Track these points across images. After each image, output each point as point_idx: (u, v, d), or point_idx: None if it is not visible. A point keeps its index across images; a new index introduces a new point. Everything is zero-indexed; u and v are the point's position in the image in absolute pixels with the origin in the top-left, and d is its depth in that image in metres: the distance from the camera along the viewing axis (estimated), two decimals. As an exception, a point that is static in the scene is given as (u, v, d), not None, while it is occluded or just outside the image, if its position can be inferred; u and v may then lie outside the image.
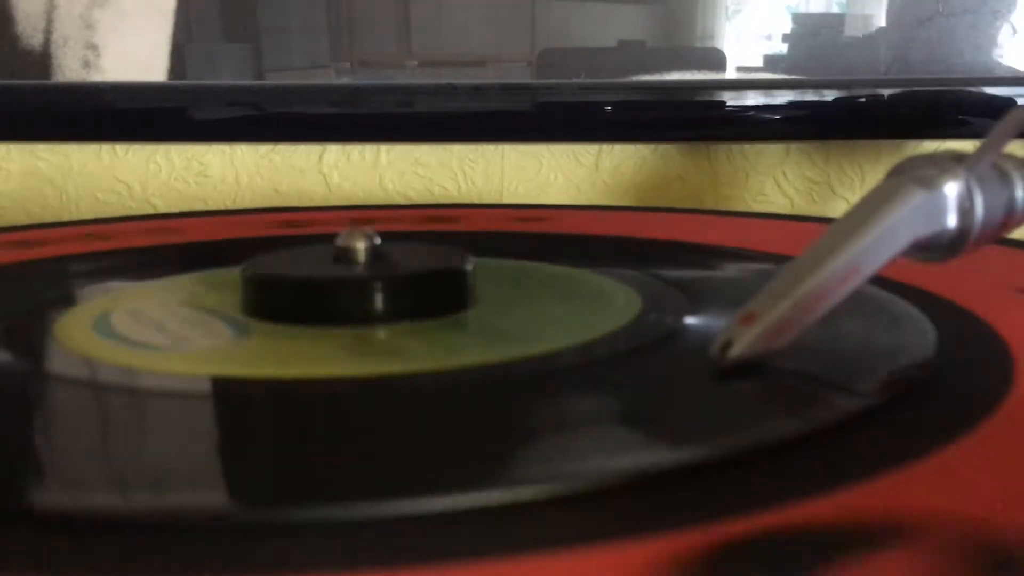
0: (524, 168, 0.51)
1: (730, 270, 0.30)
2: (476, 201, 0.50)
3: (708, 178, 0.51)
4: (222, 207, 0.50)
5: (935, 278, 0.25)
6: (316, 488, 0.14)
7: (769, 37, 0.51)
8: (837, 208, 0.51)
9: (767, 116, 0.50)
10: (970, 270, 0.26)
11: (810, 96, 0.49)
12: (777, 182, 0.51)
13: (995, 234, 0.19)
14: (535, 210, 0.42)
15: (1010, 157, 0.19)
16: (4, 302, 0.26)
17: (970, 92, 0.49)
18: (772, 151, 0.51)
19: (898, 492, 0.13)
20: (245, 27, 0.50)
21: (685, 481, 0.14)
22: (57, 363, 0.21)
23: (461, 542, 0.12)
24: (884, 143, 0.50)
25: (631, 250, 0.32)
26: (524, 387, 0.18)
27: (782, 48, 0.51)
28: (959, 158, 0.18)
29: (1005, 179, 0.19)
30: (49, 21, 0.48)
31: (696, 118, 0.50)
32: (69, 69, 0.49)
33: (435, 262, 0.24)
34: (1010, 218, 0.19)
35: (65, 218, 0.50)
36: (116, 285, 0.29)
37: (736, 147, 0.50)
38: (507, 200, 0.51)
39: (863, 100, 0.49)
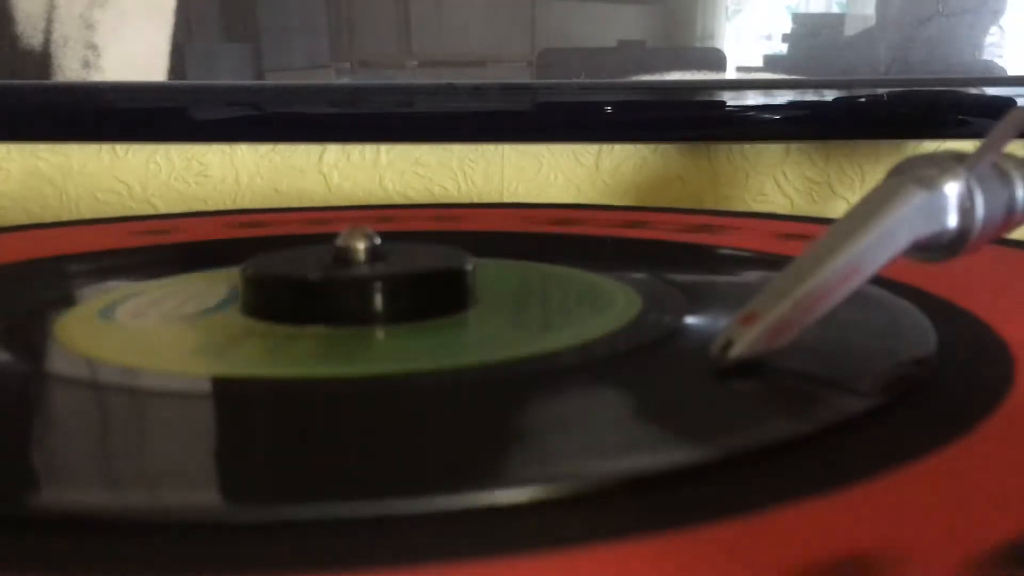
0: (524, 168, 0.51)
1: (730, 270, 0.30)
2: (476, 201, 0.50)
3: (708, 178, 0.51)
4: (222, 207, 0.50)
5: (935, 278, 0.25)
6: (315, 488, 0.14)
7: (769, 37, 0.51)
8: (837, 208, 0.51)
9: (767, 116, 0.50)
10: (970, 270, 0.26)
11: (810, 96, 0.49)
12: (777, 182, 0.51)
13: (995, 234, 0.19)
14: (570, 211, 0.42)
15: (1010, 157, 0.19)
16: (4, 302, 0.26)
17: (970, 92, 0.49)
18: (772, 151, 0.51)
19: (898, 492, 0.13)
20: (245, 27, 0.50)
21: (685, 481, 0.14)
22: (57, 363, 0.21)
23: (461, 542, 0.12)
24: (884, 143, 0.50)
25: (631, 250, 0.32)
26: (524, 387, 0.18)
27: (782, 48, 0.51)
28: (959, 158, 0.18)
29: (1005, 179, 0.19)
30: (49, 21, 0.48)
31: (696, 118, 0.50)
32: (69, 69, 0.49)
33: (435, 262, 0.24)
34: (1010, 218, 0.19)
35: (65, 218, 0.50)
36: (116, 285, 0.29)
37: (736, 147, 0.50)
38: (507, 200, 0.51)
39: (863, 100, 0.49)
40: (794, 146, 0.50)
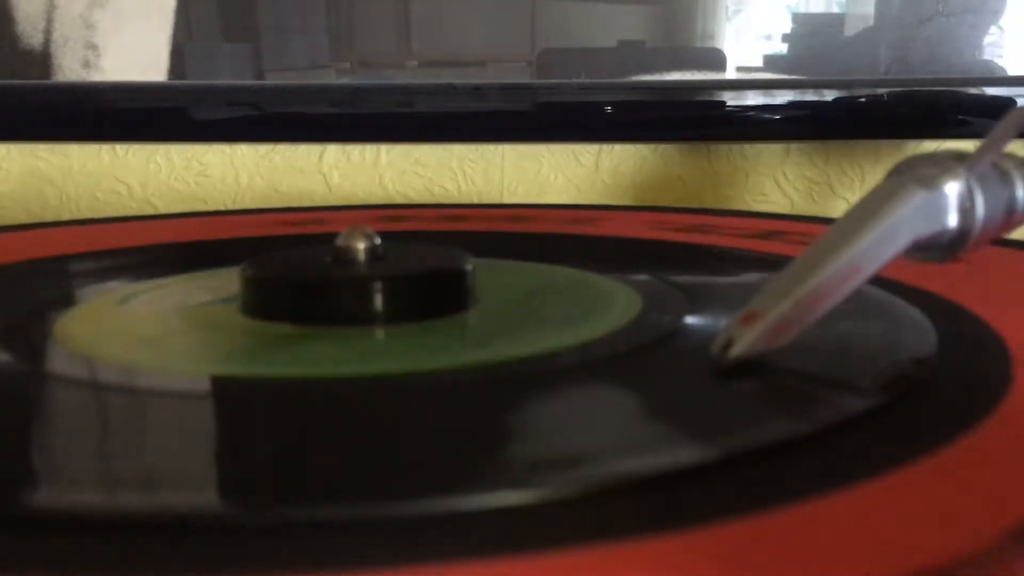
0: (524, 168, 0.51)
1: (730, 270, 0.30)
2: (476, 201, 0.50)
3: (708, 178, 0.51)
4: (222, 207, 0.50)
5: (935, 278, 0.25)
6: (315, 488, 0.14)
7: (769, 37, 0.51)
8: (837, 208, 0.51)
9: (767, 116, 0.50)
10: (970, 270, 0.26)
11: (810, 96, 0.49)
12: (777, 182, 0.51)
13: (995, 234, 0.19)
14: (589, 211, 0.42)
15: (1010, 157, 0.19)
16: (4, 302, 0.26)
17: (970, 92, 0.49)
18: (772, 151, 0.51)
19: (898, 492, 0.13)
20: (245, 27, 0.50)
21: (685, 481, 0.14)
22: (57, 363, 0.21)
23: (461, 542, 0.12)
24: (884, 143, 0.50)
25: (631, 250, 0.32)
26: (524, 387, 0.18)
27: (782, 48, 0.51)
28: (960, 158, 0.18)
29: (1006, 179, 0.19)
30: (49, 21, 0.48)
31: (696, 118, 0.50)
32: (69, 69, 0.49)
33: (435, 262, 0.24)
34: (1010, 218, 0.19)
35: (65, 218, 0.50)
36: (116, 285, 0.29)
37: (736, 147, 0.50)
38: (507, 200, 0.51)
39: (863, 100, 0.49)
40: (794, 146, 0.50)
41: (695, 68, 0.50)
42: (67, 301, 0.26)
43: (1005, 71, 0.49)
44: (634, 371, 0.20)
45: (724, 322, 0.18)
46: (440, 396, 0.18)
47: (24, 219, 0.50)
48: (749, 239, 0.34)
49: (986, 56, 0.49)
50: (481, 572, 0.11)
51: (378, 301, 0.22)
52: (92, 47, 0.49)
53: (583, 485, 0.13)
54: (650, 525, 0.12)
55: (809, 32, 0.51)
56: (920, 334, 0.21)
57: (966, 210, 0.18)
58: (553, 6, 0.50)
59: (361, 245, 0.23)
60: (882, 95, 0.49)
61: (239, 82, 0.50)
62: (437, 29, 0.50)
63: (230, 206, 0.51)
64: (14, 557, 0.12)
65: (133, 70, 0.49)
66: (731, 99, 0.50)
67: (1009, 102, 0.49)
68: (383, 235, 0.24)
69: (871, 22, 0.50)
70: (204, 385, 0.19)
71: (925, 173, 0.18)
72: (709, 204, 0.51)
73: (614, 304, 0.24)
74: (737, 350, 0.17)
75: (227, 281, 0.24)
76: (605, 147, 0.50)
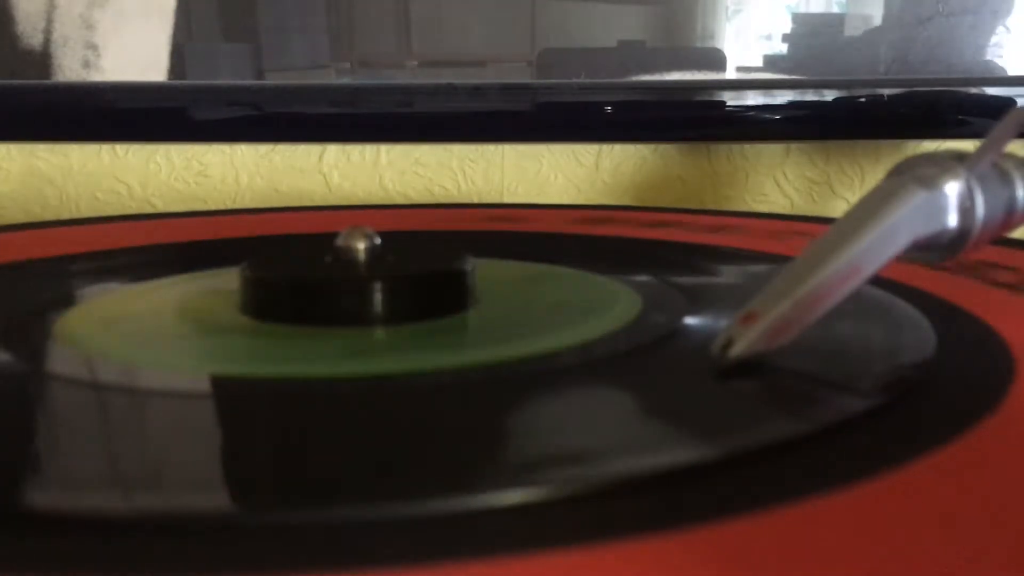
0: (524, 168, 0.51)
1: (730, 270, 0.30)
2: (476, 201, 0.50)
3: (708, 178, 0.51)
4: (222, 207, 0.50)
5: (935, 278, 0.25)
6: (315, 488, 0.14)
7: (769, 37, 0.51)
8: (837, 208, 0.51)
9: (767, 116, 0.50)
10: (970, 270, 0.26)
11: (810, 96, 0.49)
12: (777, 182, 0.51)
13: (995, 234, 0.19)
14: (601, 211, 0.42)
15: (1010, 157, 0.19)
16: (4, 302, 0.26)
17: (970, 92, 0.49)
18: (772, 151, 0.51)
19: (898, 492, 0.13)
20: (245, 27, 0.50)
21: (685, 481, 0.14)
22: (57, 363, 0.21)
23: (461, 543, 0.12)
24: (884, 143, 0.50)
25: (631, 250, 0.32)
26: (524, 387, 0.18)
27: (782, 48, 0.51)
28: (960, 158, 0.18)
29: (1006, 179, 0.19)
30: (49, 21, 0.48)
31: (696, 118, 0.50)
32: (69, 69, 0.49)
33: (435, 262, 0.24)
34: (1010, 218, 0.19)
35: (65, 218, 0.50)
36: (116, 285, 0.29)
37: (736, 147, 0.50)
38: (507, 200, 0.51)
39: (863, 100, 0.49)
40: (794, 146, 0.50)
41: (695, 68, 0.50)
42: (67, 301, 0.26)
43: (1005, 71, 0.49)
44: (634, 371, 0.20)
45: (724, 322, 0.18)
46: (440, 396, 0.18)
47: (24, 219, 0.50)
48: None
49: (986, 56, 0.49)
50: (481, 572, 0.11)
51: (378, 301, 0.22)
52: (92, 47, 0.49)
53: (583, 485, 0.13)
54: (650, 525, 0.12)
55: (809, 32, 0.51)
56: (920, 335, 0.21)
57: (966, 210, 0.18)
58: (553, 6, 0.50)
59: (361, 245, 0.23)
60: (882, 95, 0.49)
61: (239, 82, 0.50)
62: (437, 29, 0.50)
63: (230, 206, 0.51)
64: (14, 557, 0.12)
65: (133, 70, 0.49)
66: (731, 99, 0.50)
67: (1009, 102, 0.49)
68: (383, 235, 0.24)
69: (871, 22, 0.50)
70: (204, 385, 0.19)
71: (925, 173, 0.18)
72: (709, 204, 0.51)
73: (614, 304, 0.24)
74: (737, 350, 0.17)
75: (227, 281, 0.24)
76: (605, 147, 0.50)
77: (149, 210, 0.50)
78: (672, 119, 0.50)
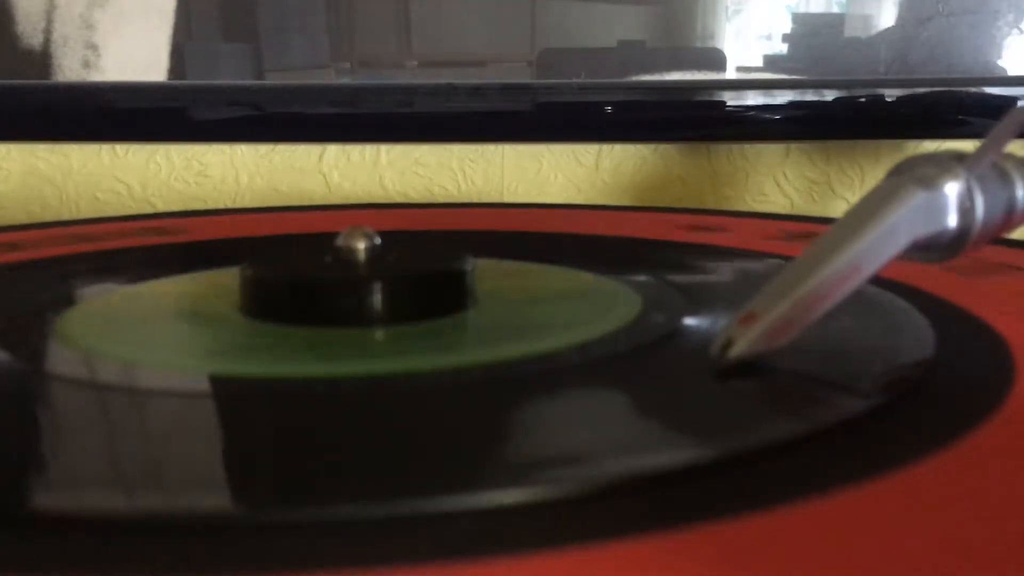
0: (524, 168, 0.51)
1: (730, 270, 0.30)
2: (476, 201, 0.50)
3: (708, 178, 0.51)
4: (222, 207, 0.50)
5: (935, 278, 0.25)
6: (315, 488, 0.14)
7: (769, 37, 0.51)
8: (837, 208, 0.51)
9: (767, 116, 0.50)
10: (970, 271, 0.26)
11: (810, 96, 0.49)
12: (777, 182, 0.51)
13: (995, 234, 0.19)
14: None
15: (1010, 157, 0.19)
16: (4, 302, 0.26)
17: (970, 92, 0.49)
18: (772, 151, 0.51)
19: (898, 492, 0.13)
20: (245, 27, 0.50)
21: (685, 481, 0.14)
22: (57, 363, 0.21)
23: (461, 542, 0.12)
24: (884, 143, 0.50)
25: (631, 250, 0.32)
26: (524, 387, 0.18)
27: (782, 48, 0.51)
28: (959, 158, 0.18)
29: (1005, 179, 0.19)
30: (49, 21, 0.48)
31: (696, 118, 0.50)
32: (69, 69, 0.49)
33: (435, 262, 0.24)
34: (1010, 218, 0.19)
35: (65, 218, 0.50)
36: (116, 285, 0.29)
37: (736, 147, 0.50)
38: (507, 200, 0.51)
39: (863, 100, 0.49)
40: (794, 146, 0.50)
41: (695, 68, 0.50)
42: (67, 301, 0.26)
43: (1005, 71, 0.49)
44: (634, 371, 0.20)
45: (723, 322, 0.18)
46: (440, 396, 0.18)
47: (24, 219, 0.50)
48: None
49: (986, 56, 0.49)
50: (481, 572, 0.11)
51: (378, 301, 0.22)
52: (92, 47, 0.49)
53: (583, 485, 0.13)
54: (649, 525, 0.12)
55: (809, 32, 0.51)
56: (920, 335, 0.21)
57: (966, 210, 0.18)
58: (553, 6, 0.50)
59: (361, 245, 0.23)
60: (882, 95, 0.49)
61: (239, 82, 0.50)
62: (437, 29, 0.50)
63: (230, 206, 0.51)
64: (14, 557, 0.12)
65: (133, 70, 0.49)
66: (731, 99, 0.50)
67: (1009, 102, 0.49)
68: (383, 235, 0.24)
69: (871, 22, 0.50)
70: (204, 385, 0.19)
71: (925, 173, 0.18)
72: (709, 204, 0.51)
73: (614, 304, 0.24)
74: (737, 350, 0.17)
75: (227, 281, 0.24)
76: (605, 147, 0.50)
77: (149, 210, 0.50)
78: (672, 119, 0.50)
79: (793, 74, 0.50)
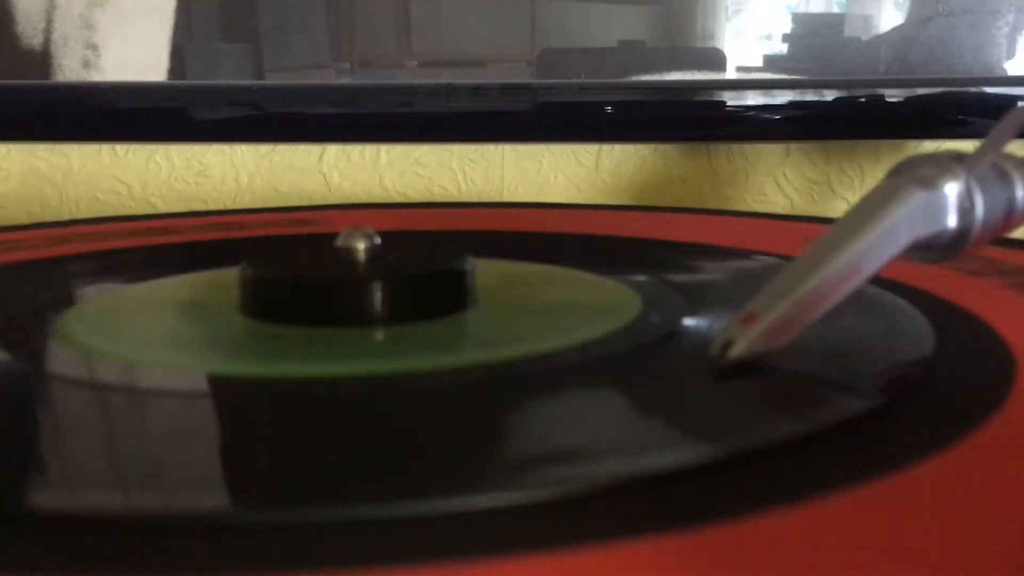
0: (524, 168, 0.51)
1: (730, 270, 0.30)
2: (476, 201, 0.50)
3: (708, 178, 0.51)
4: (222, 207, 0.50)
5: (935, 278, 0.25)
6: (315, 488, 0.14)
7: (769, 37, 0.51)
8: (837, 208, 0.51)
9: (767, 116, 0.50)
10: (970, 270, 0.26)
11: (810, 96, 0.49)
12: (777, 182, 0.51)
13: (995, 234, 0.19)
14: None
15: (1010, 157, 0.19)
16: (4, 302, 0.26)
17: (970, 92, 0.49)
18: (772, 151, 0.51)
19: (899, 493, 0.13)
20: (245, 27, 0.50)
21: (685, 481, 0.14)
22: (56, 363, 0.21)
23: (461, 542, 0.12)
24: (884, 143, 0.50)
25: (631, 250, 0.32)
26: (524, 387, 0.18)
27: (782, 48, 0.51)
28: (959, 158, 0.18)
29: (1005, 179, 0.19)
30: (49, 21, 0.48)
31: (696, 118, 0.50)
32: (69, 69, 0.49)
33: (435, 262, 0.24)
34: (1010, 218, 0.19)
35: (65, 218, 0.50)
36: (116, 285, 0.29)
37: (736, 147, 0.50)
38: (507, 200, 0.51)
39: (863, 100, 0.49)
40: (794, 146, 0.50)
41: (695, 68, 0.50)
42: (67, 301, 0.26)
43: (1005, 71, 0.49)
44: (633, 371, 0.20)
45: (723, 322, 0.18)
46: (440, 396, 0.18)
47: (24, 219, 0.50)
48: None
49: (986, 56, 0.49)
50: (481, 572, 0.11)
51: (378, 301, 0.22)
52: (92, 47, 0.49)
53: (583, 485, 0.13)
54: (649, 526, 0.12)
55: (809, 32, 0.51)
56: (920, 335, 0.21)
57: (965, 210, 0.18)
58: (553, 6, 0.50)
59: (361, 245, 0.23)
60: (882, 95, 0.49)
61: (239, 82, 0.50)
62: (437, 29, 0.50)
63: (230, 206, 0.51)
64: (14, 557, 0.12)
65: (133, 70, 0.49)
66: (731, 99, 0.50)
67: (1009, 102, 0.49)
68: (383, 235, 0.24)
69: (871, 22, 0.50)
70: (204, 385, 0.19)
71: (924, 173, 0.18)
72: (709, 204, 0.51)
73: (614, 304, 0.24)
74: (737, 351, 0.17)
75: (227, 281, 0.24)
76: (605, 147, 0.50)
77: (149, 210, 0.50)
78: (672, 119, 0.50)
79: (793, 74, 0.50)
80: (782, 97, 0.49)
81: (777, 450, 0.15)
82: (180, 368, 0.20)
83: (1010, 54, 0.49)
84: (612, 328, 0.22)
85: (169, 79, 0.49)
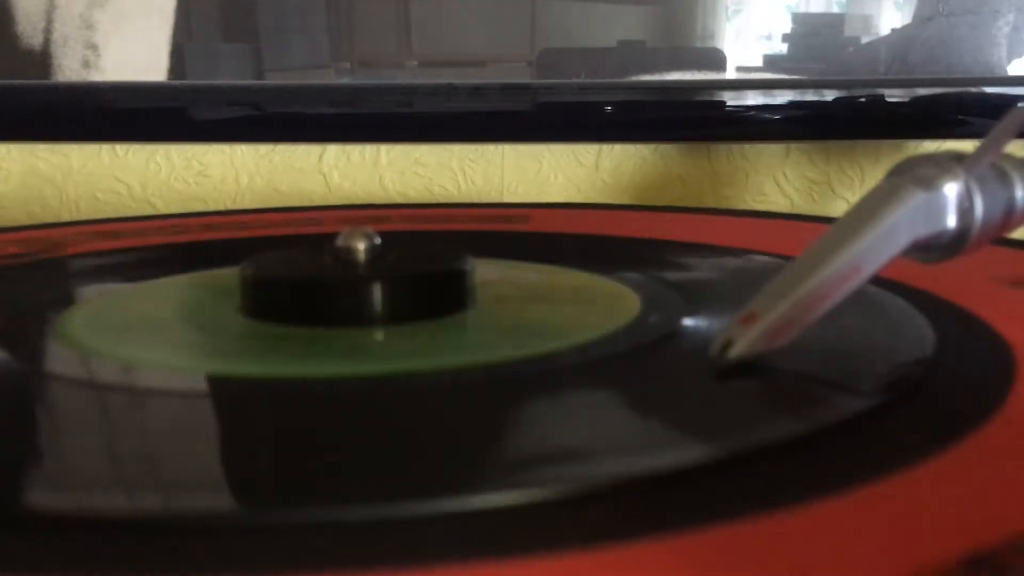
0: (524, 168, 0.51)
1: (730, 270, 0.30)
2: (476, 201, 0.50)
3: (708, 178, 0.51)
4: (222, 207, 0.50)
5: (935, 278, 0.24)
6: (315, 488, 0.14)
7: (769, 37, 0.51)
8: (837, 208, 0.51)
9: (767, 116, 0.50)
10: (970, 270, 0.26)
11: (810, 96, 0.49)
12: (777, 182, 0.51)
13: (995, 234, 0.19)
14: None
15: (1010, 157, 0.19)
16: (4, 302, 0.26)
17: (970, 92, 0.49)
18: (772, 151, 0.51)
19: (899, 493, 0.13)
20: (245, 27, 0.50)
21: (685, 481, 0.14)
22: (57, 363, 0.21)
23: (461, 543, 0.12)
24: (884, 143, 0.50)
25: (631, 250, 0.32)
26: (524, 387, 0.18)
27: (782, 48, 0.51)
28: (959, 158, 0.18)
29: (1005, 179, 0.19)
30: (49, 21, 0.48)
31: (696, 118, 0.50)
32: (69, 69, 0.49)
33: (435, 262, 0.24)
34: (1010, 218, 0.19)
35: (65, 218, 0.50)
36: (116, 285, 0.29)
37: (736, 147, 0.50)
38: (507, 200, 0.51)
39: (863, 100, 0.49)
40: (794, 146, 0.50)
41: (695, 68, 0.50)
42: (67, 301, 0.26)
43: (1005, 71, 0.49)
44: (633, 371, 0.20)
45: (723, 322, 0.18)
46: (440, 396, 0.18)
47: (24, 219, 0.50)
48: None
49: (986, 56, 0.49)
50: (481, 572, 0.11)
51: (378, 301, 0.22)
52: (92, 47, 0.49)
53: (583, 486, 0.13)
54: (650, 525, 0.12)
55: (809, 32, 0.51)
56: (920, 335, 0.21)
57: (965, 211, 0.18)
58: (553, 6, 0.50)
59: (361, 245, 0.23)
60: (882, 95, 0.49)
61: (239, 82, 0.50)
62: (437, 29, 0.50)
63: (230, 206, 0.51)
64: (13, 557, 0.12)
65: (133, 70, 0.49)
66: (731, 99, 0.50)
67: (1009, 102, 0.49)
68: (383, 235, 0.24)
69: (871, 22, 0.50)
70: (203, 385, 0.19)
71: (924, 174, 0.18)
72: (709, 204, 0.51)
73: (613, 304, 0.24)
74: (736, 351, 0.17)
75: (227, 281, 0.24)
76: (605, 147, 0.50)
77: (149, 210, 0.50)
78: (672, 119, 0.50)
79: (793, 74, 0.50)
80: (782, 97, 0.49)
81: (777, 450, 0.15)
82: (180, 368, 0.20)
83: (1010, 54, 0.49)
84: (612, 328, 0.22)
85: (169, 79, 0.49)
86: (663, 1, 0.50)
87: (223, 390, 0.19)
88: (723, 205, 0.51)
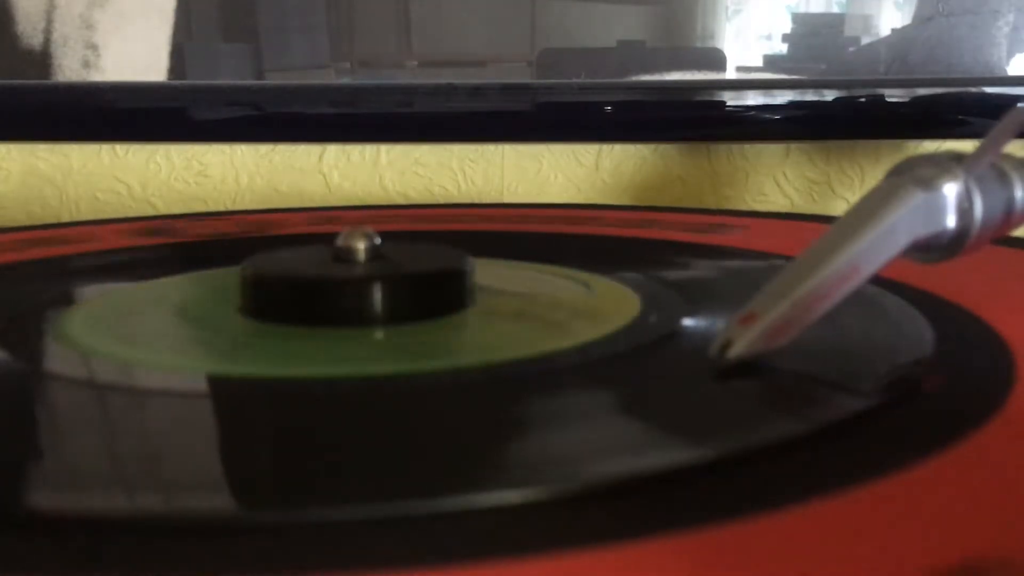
0: (524, 168, 0.51)
1: (730, 270, 0.30)
2: (476, 201, 0.50)
3: (708, 178, 0.51)
4: (222, 207, 0.51)
5: (935, 278, 0.24)
6: (315, 488, 0.14)
7: (769, 37, 0.51)
8: (837, 208, 0.51)
9: (767, 116, 0.50)
10: (970, 270, 0.26)
11: (810, 96, 0.49)
12: (777, 182, 0.51)
13: (994, 234, 0.19)
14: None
15: (1009, 157, 0.19)
16: (4, 302, 0.26)
17: (970, 92, 0.49)
18: (772, 151, 0.51)
19: (899, 493, 0.13)
20: (245, 27, 0.50)
21: (685, 481, 0.14)
22: (56, 363, 0.21)
23: (460, 543, 0.12)
24: (884, 143, 0.50)
25: (631, 250, 0.32)
26: (524, 387, 0.18)
27: (782, 48, 0.51)
28: (958, 158, 0.18)
29: (1004, 179, 0.19)
30: (49, 21, 0.48)
31: (696, 118, 0.50)
32: (69, 69, 0.49)
33: (435, 262, 0.24)
34: (1009, 218, 0.19)
35: (65, 218, 0.50)
36: (116, 285, 0.29)
37: (736, 147, 0.50)
38: (507, 200, 0.51)
39: (863, 100, 0.49)
40: (794, 146, 0.50)
41: (695, 68, 0.50)
42: (67, 301, 0.26)
43: (1005, 71, 0.49)
44: (633, 372, 0.20)
45: (723, 322, 0.18)
46: (439, 396, 0.18)
47: (24, 219, 0.50)
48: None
49: (986, 56, 0.49)
50: (481, 572, 0.11)
51: (378, 301, 0.22)
52: (92, 47, 0.49)
53: (582, 485, 0.13)
54: (649, 526, 0.12)
55: (809, 32, 0.51)
56: (920, 335, 0.21)
57: (964, 211, 0.18)
58: (553, 6, 0.50)
59: (361, 245, 0.23)
60: (882, 95, 0.49)
61: (239, 82, 0.50)
62: (437, 29, 0.50)
63: (230, 206, 0.51)
64: (13, 557, 0.12)
65: (133, 70, 0.49)
66: (731, 99, 0.50)
67: (1009, 102, 0.49)
68: (383, 235, 0.24)
69: (871, 22, 0.50)
70: (203, 385, 0.19)
71: (923, 174, 0.18)
72: (709, 204, 0.51)
73: (613, 304, 0.24)
74: (736, 351, 0.17)
75: (227, 281, 0.24)
76: (605, 147, 0.50)
77: (149, 210, 0.50)
78: (672, 119, 0.50)
79: (793, 74, 0.50)
80: (782, 97, 0.49)
81: (777, 450, 0.15)
82: (180, 368, 0.20)
83: (1010, 54, 0.49)
84: (612, 328, 0.22)
85: (169, 79, 0.49)
86: (663, 1, 0.50)
87: (223, 390, 0.19)
88: (723, 205, 0.51)
